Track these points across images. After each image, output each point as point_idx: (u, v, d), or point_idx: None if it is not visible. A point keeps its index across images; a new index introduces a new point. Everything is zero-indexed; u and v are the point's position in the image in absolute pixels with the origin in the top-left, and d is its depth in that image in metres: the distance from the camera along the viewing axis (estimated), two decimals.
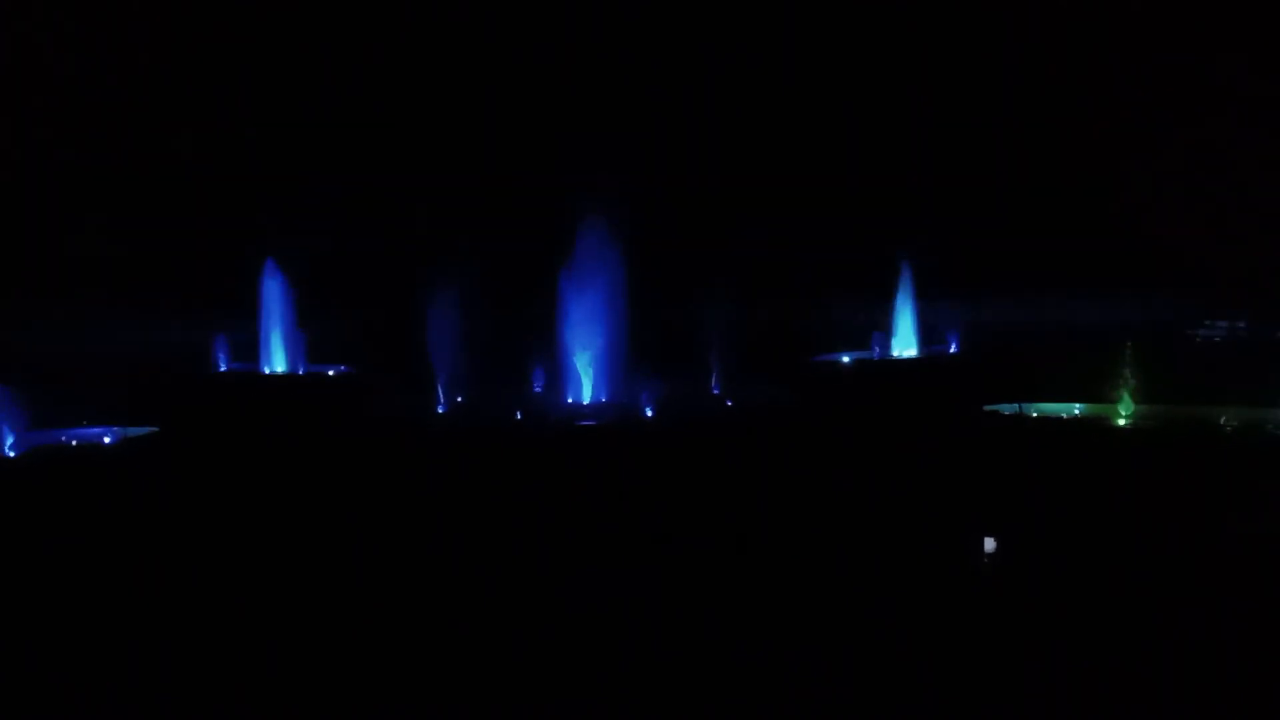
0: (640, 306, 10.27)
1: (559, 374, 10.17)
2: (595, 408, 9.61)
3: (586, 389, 9.95)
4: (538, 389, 10.20)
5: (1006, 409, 9.15)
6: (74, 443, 8.48)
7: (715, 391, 10.10)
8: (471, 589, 5.55)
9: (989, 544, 5.89)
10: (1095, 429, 8.78)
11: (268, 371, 11.67)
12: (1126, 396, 8.85)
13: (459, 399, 9.79)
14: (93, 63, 12.57)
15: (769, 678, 4.55)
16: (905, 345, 12.01)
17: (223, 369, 11.71)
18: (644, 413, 9.36)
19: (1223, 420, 8.70)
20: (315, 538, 6.35)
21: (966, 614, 5.15)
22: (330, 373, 11.65)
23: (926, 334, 12.09)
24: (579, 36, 12.67)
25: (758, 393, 9.94)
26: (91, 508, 6.89)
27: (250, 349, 11.88)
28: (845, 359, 11.62)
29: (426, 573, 5.81)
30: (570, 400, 9.83)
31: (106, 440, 8.53)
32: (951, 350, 12.08)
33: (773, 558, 5.89)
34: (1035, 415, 9.09)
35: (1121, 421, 8.78)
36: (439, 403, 9.66)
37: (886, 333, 12.08)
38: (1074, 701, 4.29)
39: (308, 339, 12.02)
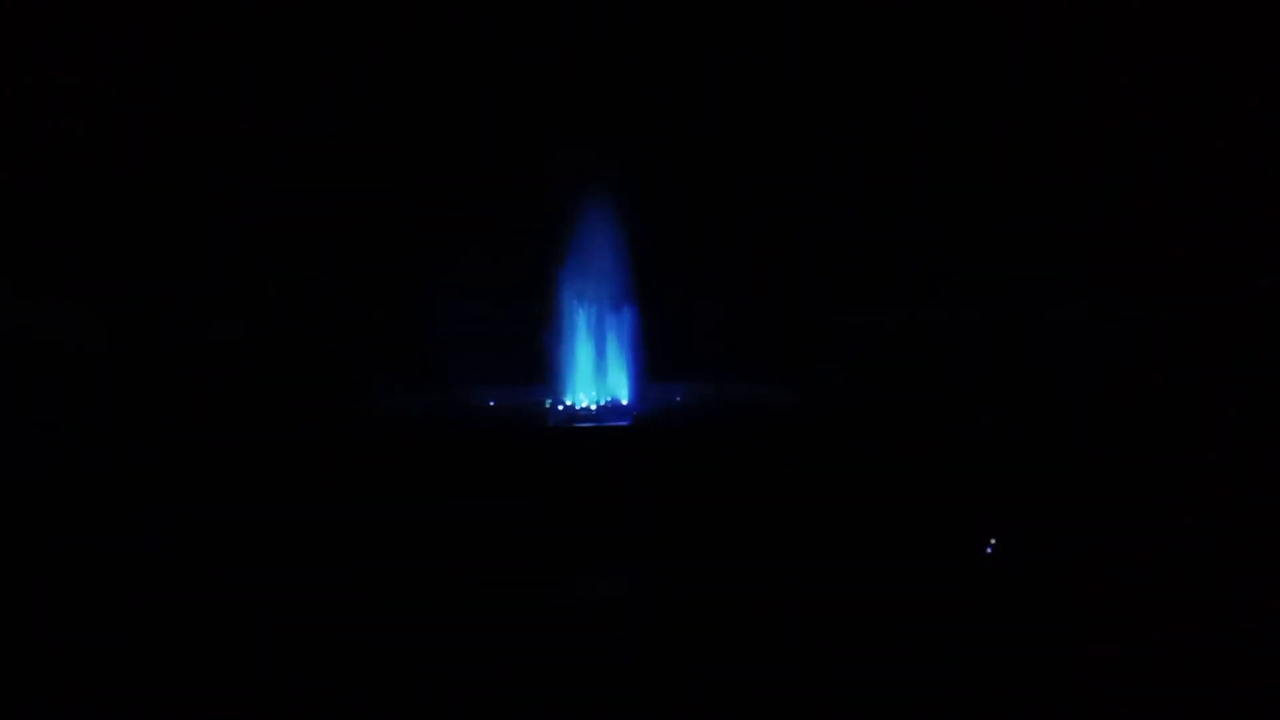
0: (643, 304, 10.25)
1: (558, 373, 10.15)
2: (595, 408, 9.60)
3: (586, 388, 9.94)
4: (535, 389, 10.17)
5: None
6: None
7: (713, 391, 10.08)
8: (469, 591, 5.55)
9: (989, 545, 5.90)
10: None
11: None
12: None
13: (462, 401, 9.80)
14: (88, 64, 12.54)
15: (768, 678, 4.55)
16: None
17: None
18: (644, 413, 9.34)
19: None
20: (317, 536, 6.36)
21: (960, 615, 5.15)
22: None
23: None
24: (578, 31, 12.64)
25: (759, 393, 9.93)
26: None
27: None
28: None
29: (424, 574, 5.81)
30: (569, 401, 9.82)
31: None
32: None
33: (772, 558, 5.89)
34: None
35: None
36: (441, 404, 9.66)
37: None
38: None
39: None
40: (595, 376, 10.04)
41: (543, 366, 10.38)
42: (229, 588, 5.63)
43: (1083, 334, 11.79)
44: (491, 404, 9.82)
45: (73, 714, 4.36)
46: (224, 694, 4.48)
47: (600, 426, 8.85)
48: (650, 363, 10.11)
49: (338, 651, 4.89)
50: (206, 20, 12.68)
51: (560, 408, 9.60)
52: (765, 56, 12.83)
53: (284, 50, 12.71)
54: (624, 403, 9.83)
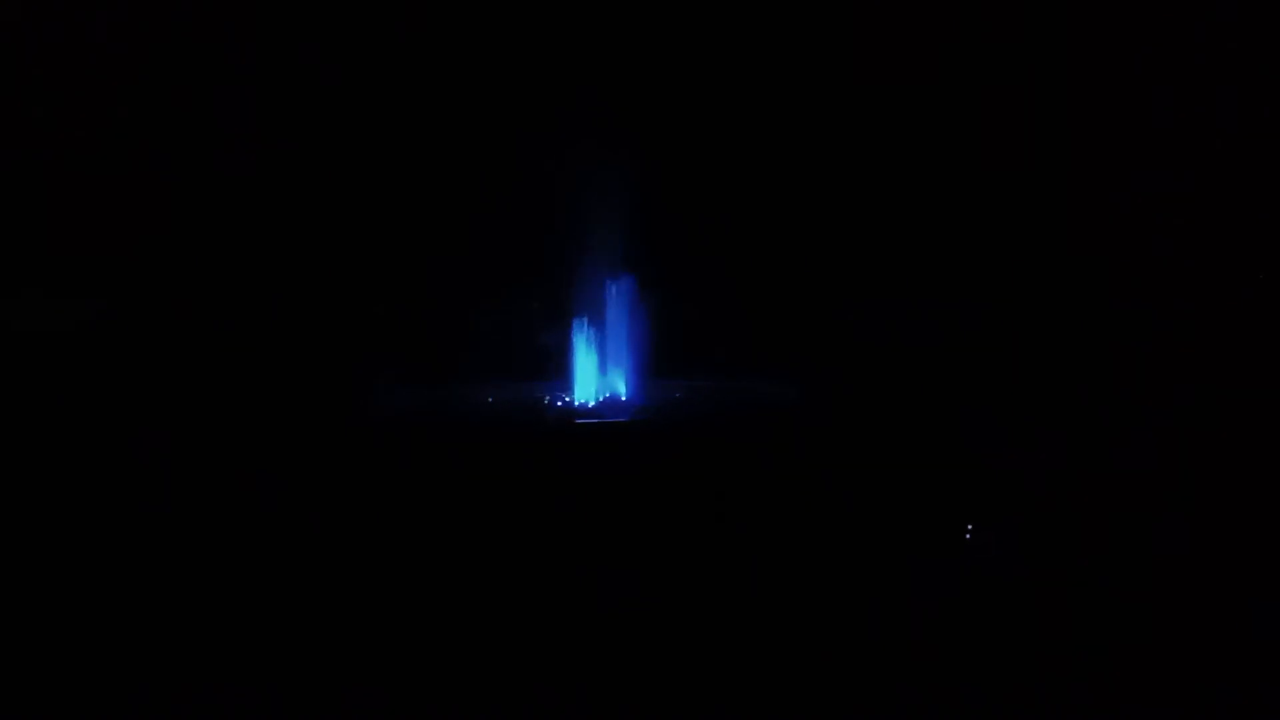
0: (644, 301, 10.26)
1: (558, 370, 10.16)
2: (596, 405, 9.60)
3: (587, 386, 9.94)
4: (535, 386, 10.17)
5: None
6: None
7: (713, 387, 10.08)
8: (468, 592, 5.54)
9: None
10: None
11: None
12: None
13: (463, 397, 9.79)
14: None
15: (768, 677, 4.55)
16: None
17: None
18: (646, 410, 9.35)
19: None
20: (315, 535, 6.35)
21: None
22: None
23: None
24: (582, 30, 12.63)
25: (758, 389, 9.92)
26: None
27: None
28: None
29: (423, 571, 5.80)
30: (570, 398, 9.82)
31: None
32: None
33: (772, 557, 5.88)
34: None
35: None
36: (443, 400, 9.66)
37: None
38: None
39: None
40: (595, 373, 10.04)
41: (543, 363, 10.39)
42: (230, 587, 5.62)
43: (1081, 333, 11.80)
44: (490, 400, 9.81)
45: (73, 714, 4.36)
46: (227, 695, 4.48)
47: (600, 422, 8.86)
48: (650, 359, 10.12)
49: (338, 650, 4.88)
50: (210, 18, 12.67)
51: (560, 404, 9.61)
52: (772, 56, 12.81)
53: (289, 46, 12.70)
54: (623, 398, 9.84)
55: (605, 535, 6.30)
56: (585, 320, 10.15)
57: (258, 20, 12.63)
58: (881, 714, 4.31)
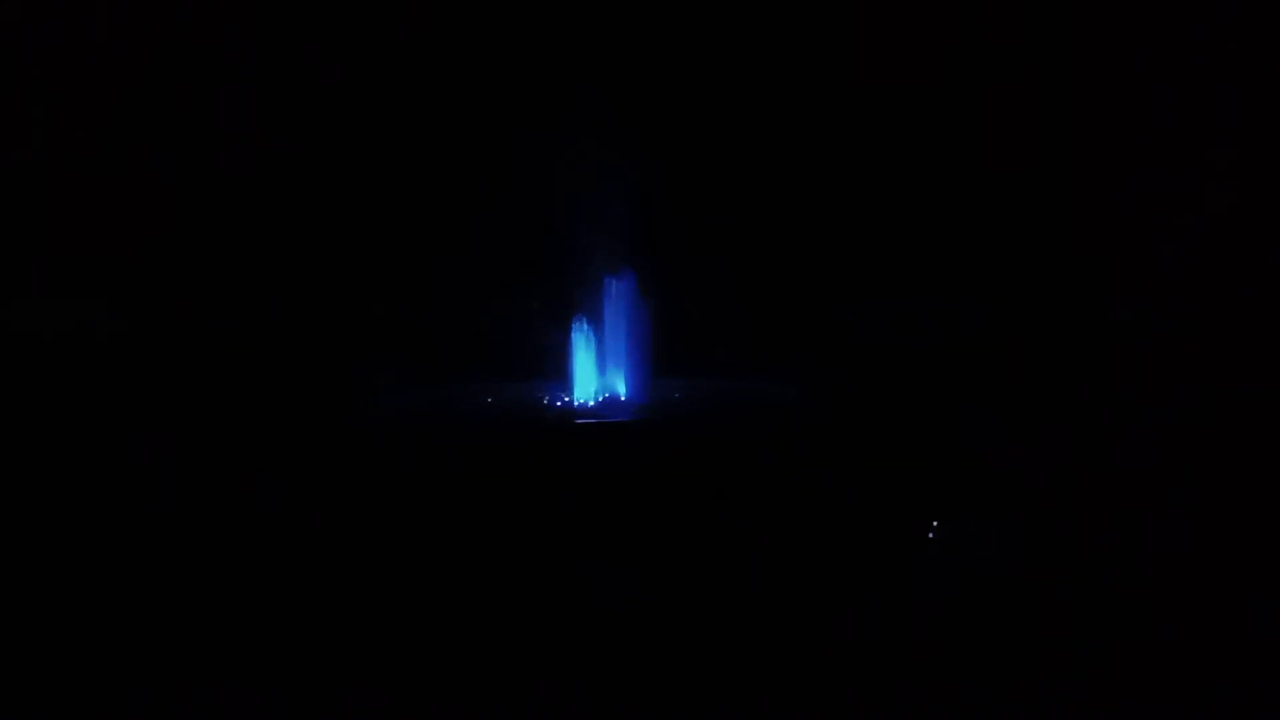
0: (643, 300, 10.23)
1: (557, 369, 10.14)
2: (596, 405, 9.58)
3: (587, 386, 9.92)
4: (535, 386, 10.15)
5: None
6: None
7: (713, 387, 10.06)
8: (468, 592, 5.54)
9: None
10: None
11: None
12: None
13: (463, 397, 9.78)
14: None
15: (767, 677, 4.55)
16: None
17: None
18: (646, 410, 9.33)
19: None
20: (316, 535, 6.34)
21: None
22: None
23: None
24: (579, 28, 12.60)
25: (759, 389, 9.90)
26: None
27: None
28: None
29: (423, 575, 5.80)
30: (569, 397, 9.80)
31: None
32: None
33: (772, 556, 5.88)
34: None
35: None
36: (441, 400, 9.65)
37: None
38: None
39: None
40: (595, 372, 10.03)
41: (543, 363, 10.37)
42: (230, 587, 5.62)
43: (1081, 333, 11.77)
44: (490, 400, 9.81)
45: (73, 714, 4.35)
46: (227, 695, 4.47)
47: (599, 422, 8.85)
48: (650, 359, 10.10)
49: (338, 649, 4.88)
50: (210, 18, 12.65)
51: (559, 403, 9.60)
52: (771, 56, 12.78)
53: (289, 46, 12.68)
54: (623, 398, 9.83)
55: (605, 535, 6.30)
56: (585, 320, 10.13)
57: (258, 20, 12.61)
58: (882, 714, 4.31)
